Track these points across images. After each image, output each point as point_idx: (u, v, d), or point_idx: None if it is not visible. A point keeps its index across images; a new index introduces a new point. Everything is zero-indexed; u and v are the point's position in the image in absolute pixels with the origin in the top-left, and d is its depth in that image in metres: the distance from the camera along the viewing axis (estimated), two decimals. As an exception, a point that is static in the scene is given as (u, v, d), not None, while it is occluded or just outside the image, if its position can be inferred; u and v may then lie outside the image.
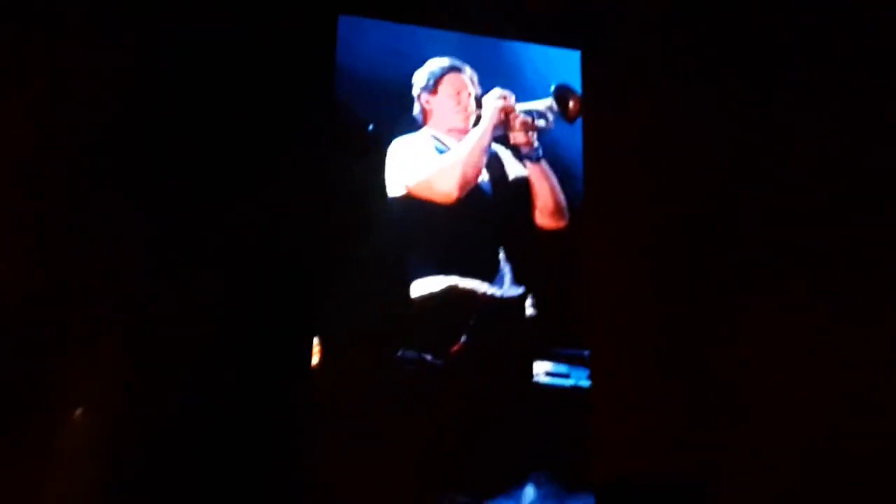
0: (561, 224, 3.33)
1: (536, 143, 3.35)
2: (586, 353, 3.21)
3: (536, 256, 3.29)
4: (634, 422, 3.16)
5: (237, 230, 3.23)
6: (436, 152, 3.30)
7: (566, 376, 3.17)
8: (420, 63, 3.39)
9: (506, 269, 3.24)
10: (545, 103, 3.38)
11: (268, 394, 3.07)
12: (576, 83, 3.45)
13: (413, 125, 3.35)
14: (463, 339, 3.13)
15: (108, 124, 3.28)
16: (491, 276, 3.22)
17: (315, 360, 3.08)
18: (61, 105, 3.26)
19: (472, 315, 3.15)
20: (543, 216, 3.34)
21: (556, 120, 3.38)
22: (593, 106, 3.42)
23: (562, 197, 3.35)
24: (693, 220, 3.43)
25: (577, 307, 3.26)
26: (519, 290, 3.23)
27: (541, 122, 3.36)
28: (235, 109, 3.35)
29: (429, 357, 3.10)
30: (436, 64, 3.40)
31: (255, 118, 3.34)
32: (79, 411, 3.09)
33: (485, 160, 3.31)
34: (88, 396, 3.08)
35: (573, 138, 3.42)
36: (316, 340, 3.10)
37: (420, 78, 3.38)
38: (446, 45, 3.43)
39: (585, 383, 3.18)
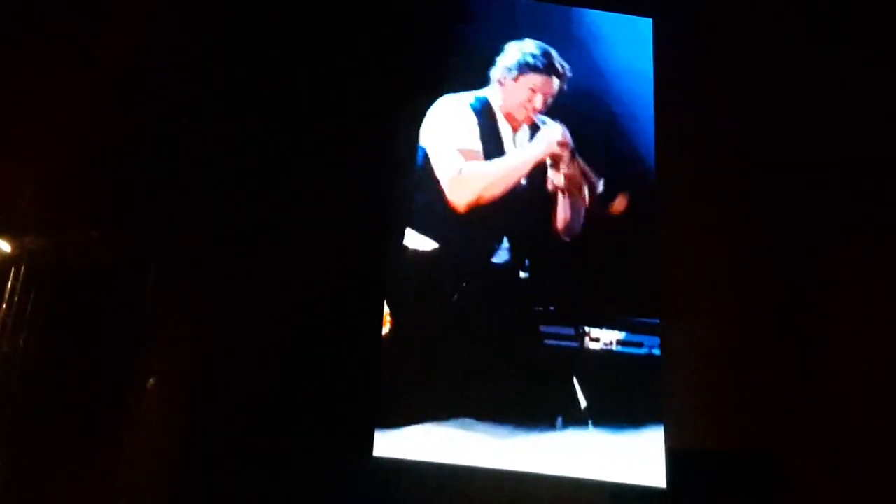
0: (566, 240, 3.28)
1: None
2: (658, 321, 3.20)
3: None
4: (705, 390, 3.14)
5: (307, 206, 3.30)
6: (471, 111, 3.28)
7: (639, 345, 3.16)
8: (491, 29, 3.39)
9: (504, 244, 3.23)
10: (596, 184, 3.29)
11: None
12: (647, 51, 3.43)
13: (484, 81, 3.34)
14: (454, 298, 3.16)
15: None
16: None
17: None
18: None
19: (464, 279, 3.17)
20: (560, 230, 3.29)
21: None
22: (665, 75, 3.38)
23: (581, 221, 3.28)
24: (766, 192, 3.39)
25: (649, 278, 3.24)
26: (508, 258, 3.22)
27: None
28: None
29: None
30: (531, 54, 3.33)
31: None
32: (152, 381, 3.17)
33: (508, 189, 3.26)
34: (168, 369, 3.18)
35: (645, 109, 3.40)
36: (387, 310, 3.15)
37: (510, 57, 3.34)
38: (516, 11, 3.43)
39: (658, 351, 3.16)
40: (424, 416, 3.03)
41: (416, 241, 3.21)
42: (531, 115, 3.31)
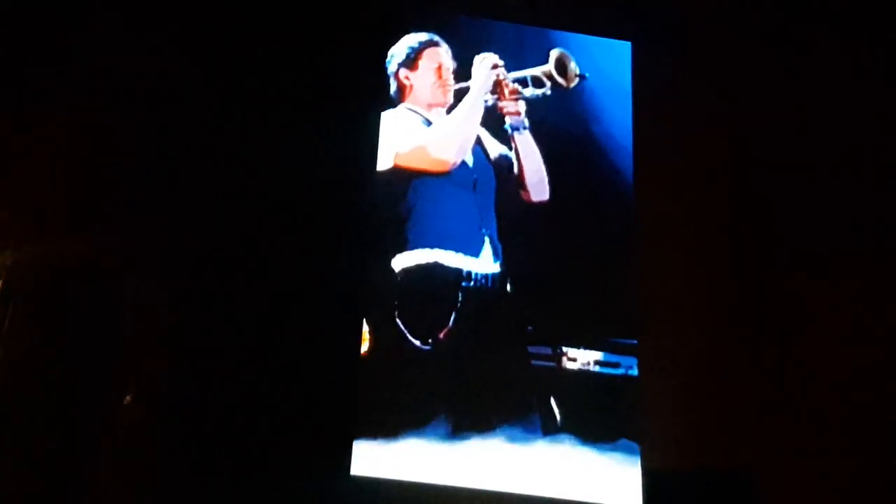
0: (544, 198, 3.30)
1: (524, 113, 3.31)
2: (635, 341, 3.21)
3: (523, 231, 3.27)
4: (683, 411, 3.16)
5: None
6: (423, 125, 3.29)
7: (616, 365, 3.17)
8: (460, 50, 3.37)
9: (488, 245, 3.22)
10: (542, 69, 3.35)
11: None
12: (626, 75, 3.46)
13: (389, 103, 3.33)
14: (451, 321, 3.13)
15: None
16: (475, 251, 3.21)
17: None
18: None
19: (457, 293, 3.15)
20: (529, 189, 3.30)
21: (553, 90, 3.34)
22: (644, 99, 3.41)
23: (544, 170, 3.30)
24: (745, 213, 3.43)
25: (627, 296, 3.25)
26: (498, 267, 3.21)
27: (530, 90, 3.32)
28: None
29: (417, 342, 3.11)
30: (413, 38, 3.36)
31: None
32: (128, 398, 3.15)
33: (478, 126, 3.29)
34: (139, 384, 3.15)
35: (623, 129, 3.42)
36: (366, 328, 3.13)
37: (398, 53, 3.35)
38: (493, 34, 3.44)
39: (635, 372, 3.17)
40: (402, 435, 3.01)
41: (399, 258, 3.20)
42: (448, 89, 3.30)
